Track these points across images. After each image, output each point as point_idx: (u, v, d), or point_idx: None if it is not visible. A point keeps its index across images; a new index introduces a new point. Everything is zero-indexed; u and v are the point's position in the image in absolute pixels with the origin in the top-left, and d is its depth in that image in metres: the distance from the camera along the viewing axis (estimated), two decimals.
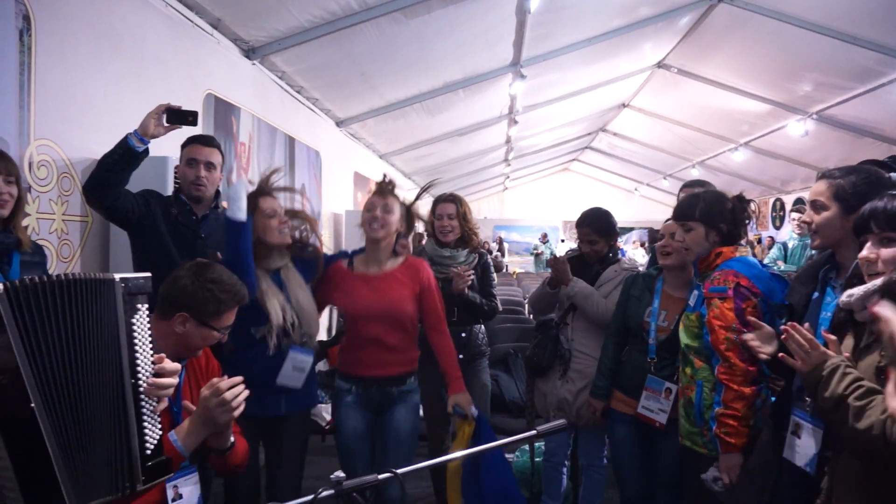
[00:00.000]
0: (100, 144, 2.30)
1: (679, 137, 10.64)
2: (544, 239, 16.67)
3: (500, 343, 4.20)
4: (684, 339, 2.22)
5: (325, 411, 3.79)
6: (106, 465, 1.23)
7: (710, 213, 2.21)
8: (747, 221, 2.28)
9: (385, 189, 2.46)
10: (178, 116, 2.36)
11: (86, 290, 1.20)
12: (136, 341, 1.30)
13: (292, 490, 2.36)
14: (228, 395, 1.52)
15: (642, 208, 16.85)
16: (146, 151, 2.34)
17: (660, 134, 10.98)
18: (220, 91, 4.24)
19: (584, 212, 3.01)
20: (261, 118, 4.99)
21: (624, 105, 10.39)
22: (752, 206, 2.32)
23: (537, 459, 3.40)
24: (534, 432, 1.34)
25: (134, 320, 1.29)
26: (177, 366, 1.43)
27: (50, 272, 2.40)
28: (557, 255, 3.01)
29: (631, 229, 15.53)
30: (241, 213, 2.17)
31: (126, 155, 2.28)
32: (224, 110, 4.36)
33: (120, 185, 2.35)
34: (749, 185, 12.07)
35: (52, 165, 2.76)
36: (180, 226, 2.55)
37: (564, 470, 3.12)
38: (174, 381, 1.42)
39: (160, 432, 1.36)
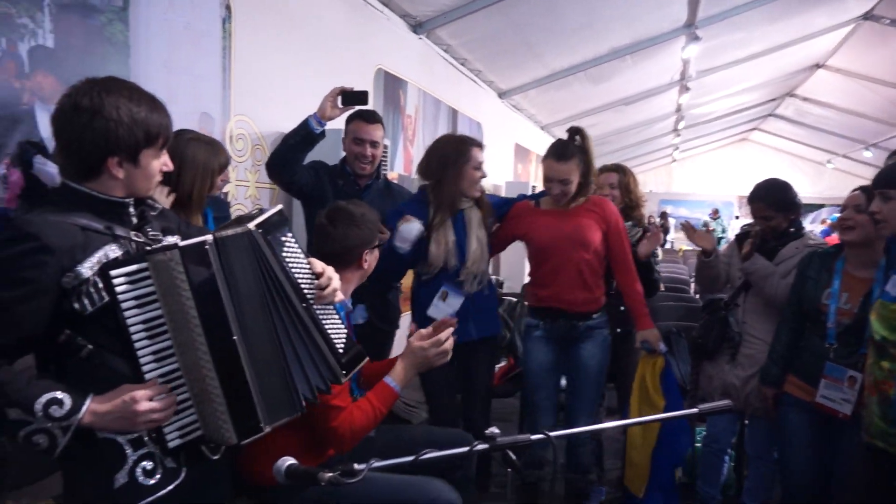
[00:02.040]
0: (284, 119, 2.53)
1: (889, 101, 9.22)
2: (715, 215, 15.43)
3: (660, 321, 4.02)
4: (880, 330, 1.97)
5: None
6: (286, 390, 1.39)
7: None
8: None
9: (562, 157, 2.49)
10: (352, 98, 2.53)
11: (245, 241, 1.33)
12: (294, 269, 1.41)
13: (483, 412, 2.55)
14: (448, 345, 1.76)
15: (835, 183, 14.89)
16: (323, 133, 2.54)
17: (863, 97, 9.60)
18: (389, 66, 4.45)
19: (757, 184, 2.74)
20: (426, 91, 5.16)
21: (818, 65, 9.22)
22: None
23: (696, 444, 3.23)
24: (695, 410, 1.27)
25: (285, 253, 1.41)
26: (329, 270, 1.51)
27: None
28: (684, 223, 2.99)
29: (820, 206, 13.79)
30: (403, 246, 2.38)
31: (307, 137, 2.50)
32: (393, 84, 4.57)
33: (298, 164, 2.58)
34: None
35: (248, 139, 3.10)
36: (345, 196, 2.69)
37: (727, 458, 2.94)
38: (335, 283, 1.51)
39: (345, 330, 1.51)
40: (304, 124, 2.48)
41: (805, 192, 2.85)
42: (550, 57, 6.11)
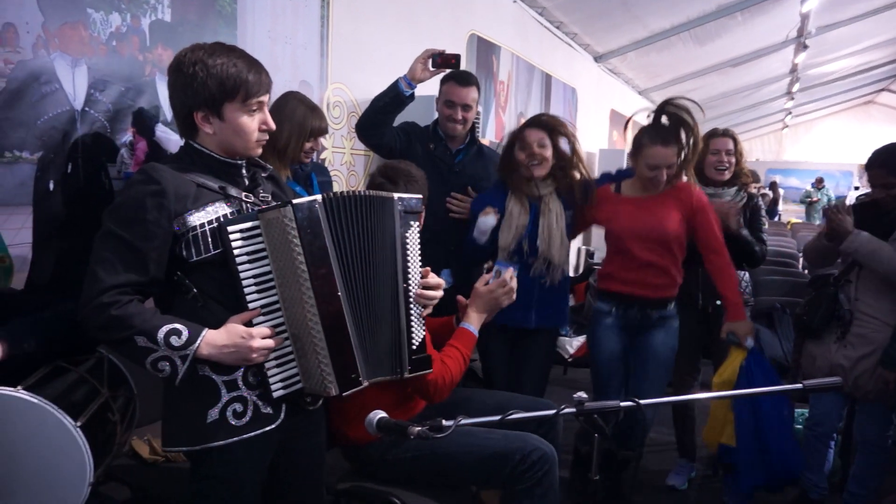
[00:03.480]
0: (379, 87, 2.57)
1: None
2: (819, 184, 14.11)
3: (764, 295, 3.83)
4: None
5: (568, 344, 3.88)
6: (387, 350, 1.47)
7: None
8: None
9: (669, 141, 2.36)
10: (443, 60, 2.52)
11: (375, 204, 1.43)
12: (409, 252, 1.49)
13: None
14: (513, 284, 1.91)
15: None
16: (412, 96, 2.54)
17: None
18: (482, 31, 4.40)
19: (877, 150, 2.49)
20: (519, 56, 5.07)
21: None
22: None
23: (798, 426, 3.07)
24: (799, 386, 1.21)
25: (407, 235, 1.48)
26: (441, 281, 1.60)
27: None
28: (833, 203, 2.62)
29: None
30: (480, 238, 2.40)
31: (396, 99, 2.50)
32: (486, 50, 4.52)
33: (386, 126, 2.60)
34: None
35: (344, 106, 3.19)
36: (437, 160, 2.70)
37: (832, 444, 2.78)
38: (439, 293, 1.58)
39: (423, 332, 1.55)
40: (394, 86, 2.50)
41: None
42: (651, 17, 5.82)
